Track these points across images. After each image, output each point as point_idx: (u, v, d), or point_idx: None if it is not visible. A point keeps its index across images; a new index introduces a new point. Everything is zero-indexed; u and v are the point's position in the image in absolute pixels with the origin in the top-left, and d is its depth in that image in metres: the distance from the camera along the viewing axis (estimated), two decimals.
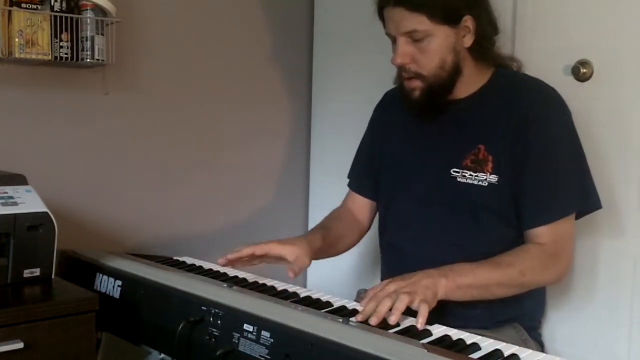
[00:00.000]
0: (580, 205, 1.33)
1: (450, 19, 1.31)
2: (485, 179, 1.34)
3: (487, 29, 1.37)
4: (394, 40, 1.36)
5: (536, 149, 1.31)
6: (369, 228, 1.63)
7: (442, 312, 1.22)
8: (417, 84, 1.36)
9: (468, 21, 1.33)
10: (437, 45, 1.32)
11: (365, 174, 1.61)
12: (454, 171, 1.37)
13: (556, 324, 1.53)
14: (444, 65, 1.34)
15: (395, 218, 1.50)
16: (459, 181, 1.36)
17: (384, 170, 1.54)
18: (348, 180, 1.66)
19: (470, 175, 1.35)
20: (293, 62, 2.17)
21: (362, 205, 1.61)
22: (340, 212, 1.62)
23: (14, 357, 1.08)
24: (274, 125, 2.15)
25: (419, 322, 1.10)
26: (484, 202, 1.34)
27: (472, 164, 1.36)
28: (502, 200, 1.33)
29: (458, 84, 1.38)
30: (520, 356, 0.99)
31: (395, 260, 1.49)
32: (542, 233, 1.30)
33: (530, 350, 1.01)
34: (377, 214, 1.59)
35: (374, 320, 1.09)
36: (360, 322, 1.10)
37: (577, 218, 1.35)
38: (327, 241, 1.49)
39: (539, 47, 1.54)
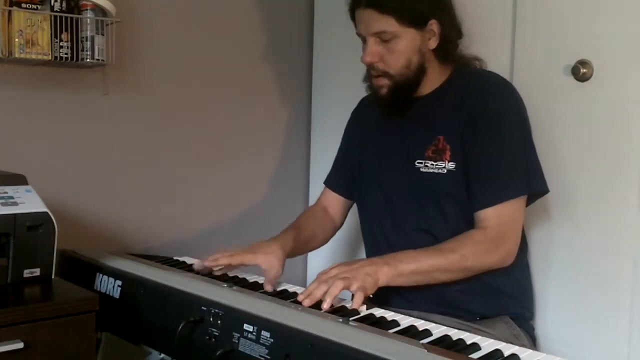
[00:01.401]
0: (525, 189, 1.38)
1: (417, 22, 1.40)
2: (444, 167, 1.41)
3: (451, 33, 1.45)
4: (364, 40, 1.45)
5: (484, 134, 1.38)
6: (341, 225, 1.71)
7: (424, 298, 1.35)
8: (384, 82, 1.45)
9: (434, 25, 1.42)
10: (404, 46, 1.40)
11: (339, 173, 1.70)
12: (418, 162, 1.45)
13: (555, 324, 1.53)
14: (409, 65, 1.42)
15: (369, 210, 1.58)
16: (422, 171, 1.44)
17: (359, 167, 1.61)
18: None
19: (432, 164, 1.43)
20: (293, 62, 2.17)
21: (335, 202, 1.69)
22: (314, 211, 1.70)
23: (14, 357, 1.08)
24: (274, 125, 2.15)
25: (352, 307, 1.19)
26: (444, 189, 1.41)
27: (433, 154, 1.43)
28: (460, 187, 1.40)
29: (423, 83, 1.47)
30: (520, 356, 0.99)
31: (374, 250, 1.56)
32: (487, 216, 1.36)
33: (530, 350, 1.01)
34: (357, 210, 1.65)
35: (306, 302, 1.18)
36: (299, 301, 1.19)
37: (528, 204, 1.41)
38: (298, 241, 1.55)
39: (539, 47, 1.54)
